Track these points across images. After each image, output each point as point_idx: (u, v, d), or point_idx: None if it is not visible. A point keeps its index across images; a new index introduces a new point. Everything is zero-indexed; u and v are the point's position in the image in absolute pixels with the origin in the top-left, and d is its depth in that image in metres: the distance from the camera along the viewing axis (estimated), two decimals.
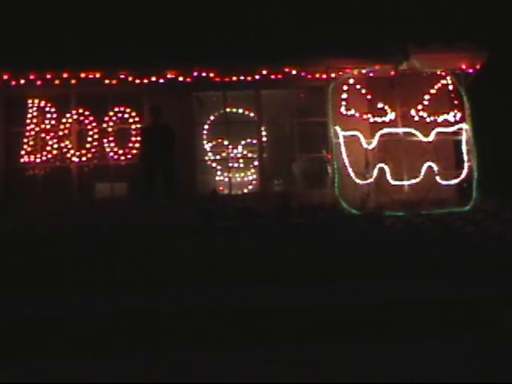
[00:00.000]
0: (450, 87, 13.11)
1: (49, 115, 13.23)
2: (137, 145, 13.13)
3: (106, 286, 10.06)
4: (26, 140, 13.11)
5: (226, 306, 9.93)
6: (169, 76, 12.96)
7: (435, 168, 12.59)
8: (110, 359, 9.67)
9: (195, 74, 12.98)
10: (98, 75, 12.90)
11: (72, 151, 13.11)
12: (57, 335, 9.72)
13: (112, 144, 13.15)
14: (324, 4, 13.87)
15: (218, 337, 9.87)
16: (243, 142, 13.50)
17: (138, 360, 9.68)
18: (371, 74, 13.14)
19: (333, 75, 13.03)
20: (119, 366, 9.71)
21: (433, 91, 13.14)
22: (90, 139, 13.19)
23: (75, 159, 13.10)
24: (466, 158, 12.80)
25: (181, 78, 13.00)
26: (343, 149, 12.68)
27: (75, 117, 13.23)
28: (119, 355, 9.75)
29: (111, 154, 13.14)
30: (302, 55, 12.84)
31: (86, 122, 13.25)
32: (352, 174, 12.59)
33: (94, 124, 13.25)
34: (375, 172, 12.60)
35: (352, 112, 13.04)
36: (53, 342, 9.63)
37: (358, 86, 13.15)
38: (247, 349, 9.84)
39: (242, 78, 13.13)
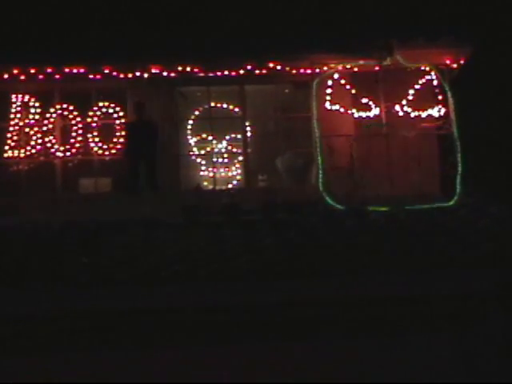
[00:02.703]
0: (435, 82, 13.15)
1: (33, 110, 13.19)
2: (121, 140, 13.11)
3: (89, 282, 10.05)
4: (9, 135, 13.07)
5: (211, 302, 9.94)
6: (153, 71, 12.92)
7: (419, 163, 12.62)
8: (100, 357, 9.66)
9: (179, 69, 12.94)
10: (81, 70, 12.84)
11: (56, 146, 13.08)
12: (43, 332, 9.70)
13: (96, 139, 13.13)
14: (308, 0, 13.87)
15: (202, 334, 9.88)
16: (227, 137, 13.52)
17: (120, 358, 9.67)
18: (356, 69, 13.15)
19: (317, 70, 13.04)
20: (112, 364, 9.70)
21: (417, 86, 13.17)
22: (74, 134, 13.16)
23: (59, 154, 13.06)
24: (449, 152, 12.82)
25: (165, 73, 12.96)
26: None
27: (59, 112, 13.19)
28: (107, 353, 9.74)
29: (95, 149, 13.10)
30: (286, 50, 12.81)
31: (70, 116, 13.22)
32: (337, 169, 12.60)
33: (78, 119, 13.21)
34: (359, 167, 12.62)
35: (336, 107, 13.05)
36: (38, 339, 9.62)
37: (343, 81, 13.16)
38: (233, 345, 9.86)
39: (226, 73, 13.10)
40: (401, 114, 13.06)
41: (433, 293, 10.01)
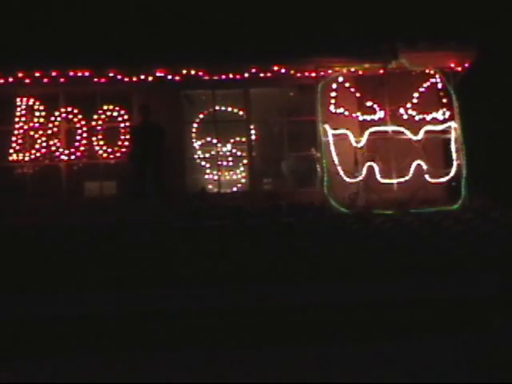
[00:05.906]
0: (439, 86, 13.15)
1: (37, 113, 13.20)
2: (126, 143, 13.11)
3: (94, 284, 10.06)
4: (14, 138, 13.07)
5: (215, 304, 9.94)
6: (158, 74, 12.91)
7: (424, 166, 12.60)
8: (105, 358, 9.66)
9: (184, 72, 12.94)
10: (86, 73, 12.84)
11: (61, 149, 13.07)
12: (49, 335, 9.71)
13: (101, 142, 13.12)
14: (313, 3, 13.87)
15: (207, 336, 9.88)
16: (232, 141, 13.52)
17: (132, 359, 9.68)
18: (360, 73, 13.15)
19: (322, 74, 13.04)
20: (115, 365, 9.70)
21: (422, 90, 13.17)
22: (78, 137, 13.16)
23: (64, 157, 13.07)
24: (454, 156, 12.82)
25: (170, 77, 12.96)
26: (332, 147, 12.68)
27: (64, 115, 13.21)
28: (113, 355, 9.74)
29: (100, 152, 13.09)
30: (291, 54, 12.81)
31: (75, 120, 13.22)
32: (341, 173, 12.58)
33: (83, 122, 13.22)
34: (364, 170, 12.60)
35: (341, 110, 13.06)
36: (46, 341, 9.62)
37: (348, 85, 13.16)
38: (238, 348, 9.86)
39: (231, 76, 13.11)
40: (405, 117, 13.03)
41: (435, 296, 10.02)
